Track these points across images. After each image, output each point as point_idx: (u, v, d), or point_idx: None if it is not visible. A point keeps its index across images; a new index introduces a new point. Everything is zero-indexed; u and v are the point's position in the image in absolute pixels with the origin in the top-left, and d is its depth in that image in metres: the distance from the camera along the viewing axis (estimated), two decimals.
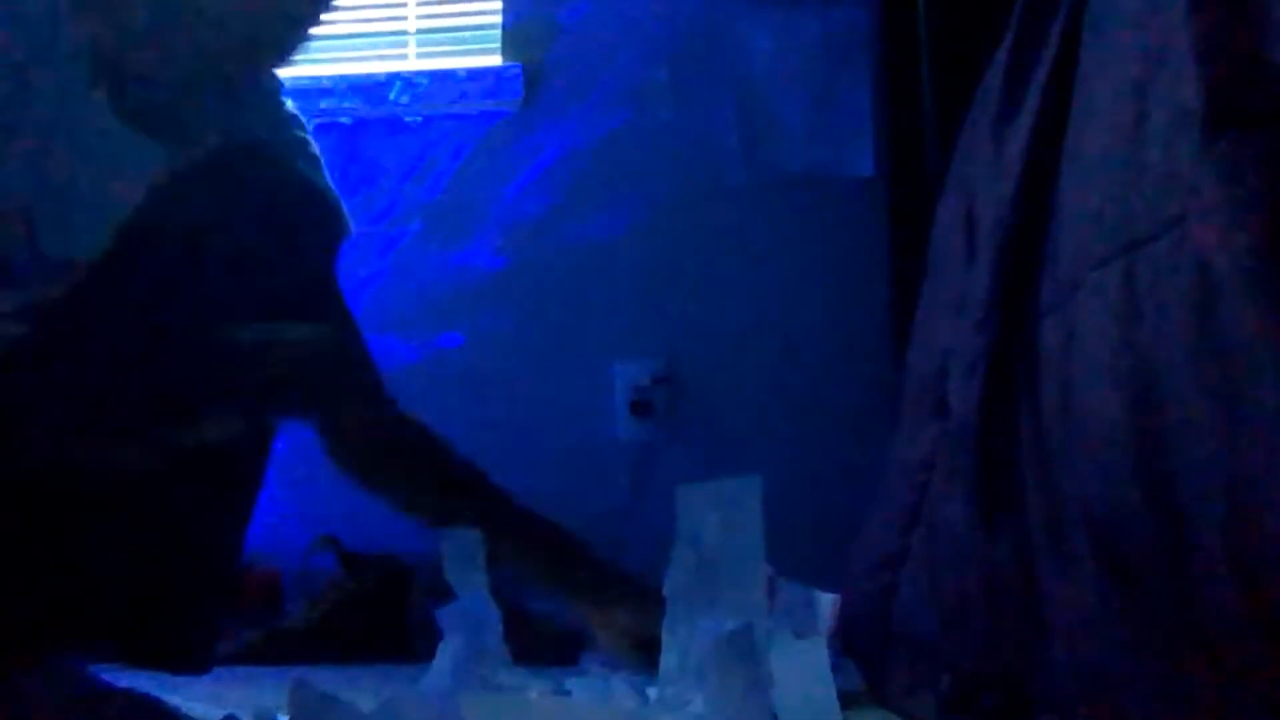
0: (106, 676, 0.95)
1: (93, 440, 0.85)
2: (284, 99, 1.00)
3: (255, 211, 0.92)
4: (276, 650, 1.58)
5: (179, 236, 0.88)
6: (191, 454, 0.89)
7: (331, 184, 1.01)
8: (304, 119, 1.02)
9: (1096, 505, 0.74)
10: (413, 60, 2.13)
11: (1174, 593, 0.66)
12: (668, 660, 0.92)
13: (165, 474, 0.88)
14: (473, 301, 2.03)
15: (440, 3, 2.15)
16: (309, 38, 0.95)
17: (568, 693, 0.99)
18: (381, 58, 2.14)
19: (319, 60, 2.14)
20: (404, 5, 2.15)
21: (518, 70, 2.04)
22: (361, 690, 0.88)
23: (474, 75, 2.05)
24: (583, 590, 1.11)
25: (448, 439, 1.15)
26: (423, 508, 1.13)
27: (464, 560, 0.98)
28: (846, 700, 0.92)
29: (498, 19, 2.09)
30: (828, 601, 1.10)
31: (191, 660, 0.94)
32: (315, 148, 1.01)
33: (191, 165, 0.89)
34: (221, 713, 0.89)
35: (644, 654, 1.05)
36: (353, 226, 1.03)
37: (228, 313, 0.89)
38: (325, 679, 1.09)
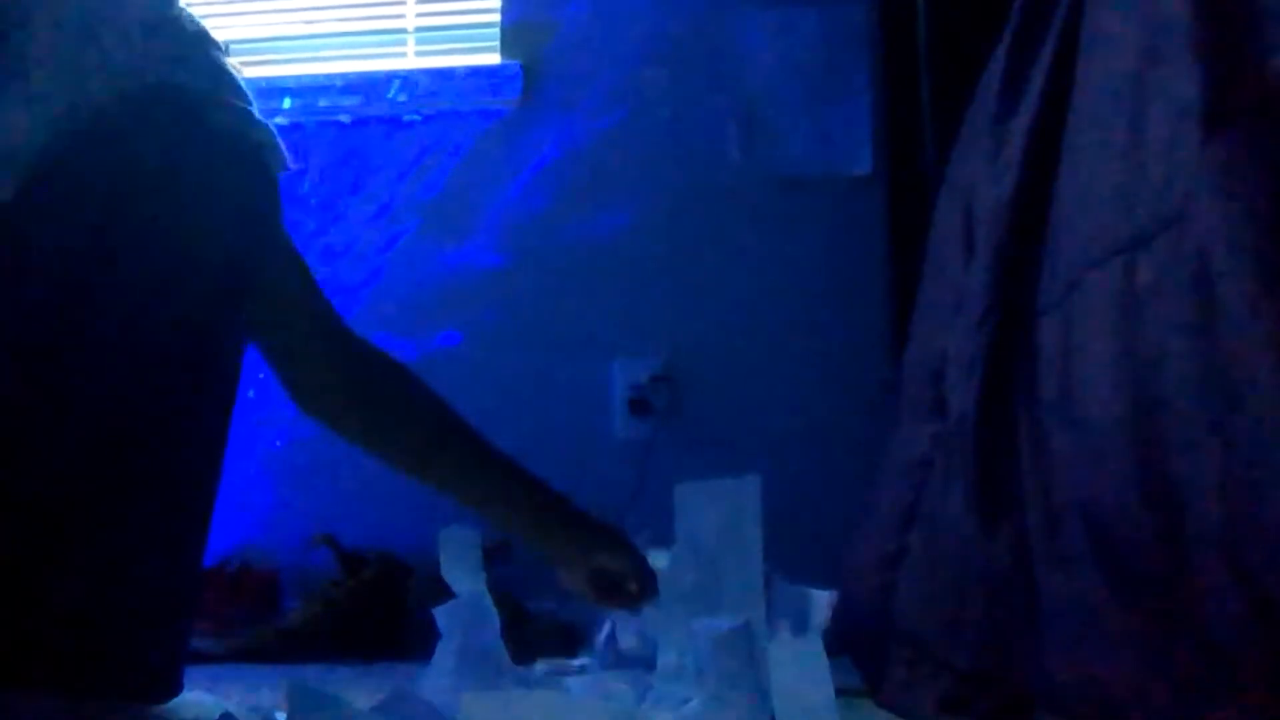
0: None
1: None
2: (180, 19, 0.91)
3: (161, 159, 0.85)
4: (274, 649, 1.58)
5: (74, 186, 0.82)
6: (142, 463, 0.85)
7: (257, 115, 0.93)
8: (211, 36, 0.92)
9: (1095, 504, 0.74)
10: (411, 58, 2.13)
11: (1172, 591, 0.66)
12: (666, 658, 0.92)
13: (114, 485, 0.83)
14: (471, 299, 2.02)
15: (439, 1, 2.15)
16: None
17: (567, 691, 0.99)
18: (380, 56, 2.13)
19: (318, 58, 2.14)
20: (403, 3, 2.15)
21: (516, 68, 2.03)
22: (359, 689, 0.88)
23: (473, 73, 2.05)
24: (549, 528, 1.09)
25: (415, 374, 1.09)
26: (390, 445, 1.07)
27: (462, 559, 0.98)
28: (844, 699, 0.92)
29: (496, 17, 2.09)
30: (823, 598, 1.10)
31: (156, 687, 0.87)
32: (231, 74, 0.92)
33: (86, 113, 0.82)
34: (219, 711, 0.89)
35: (605, 590, 1.07)
36: (290, 162, 0.94)
37: (142, 261, 0.83)
38: (323, 677, 1.09)
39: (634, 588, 1.06)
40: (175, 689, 0.89)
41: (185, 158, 0.87)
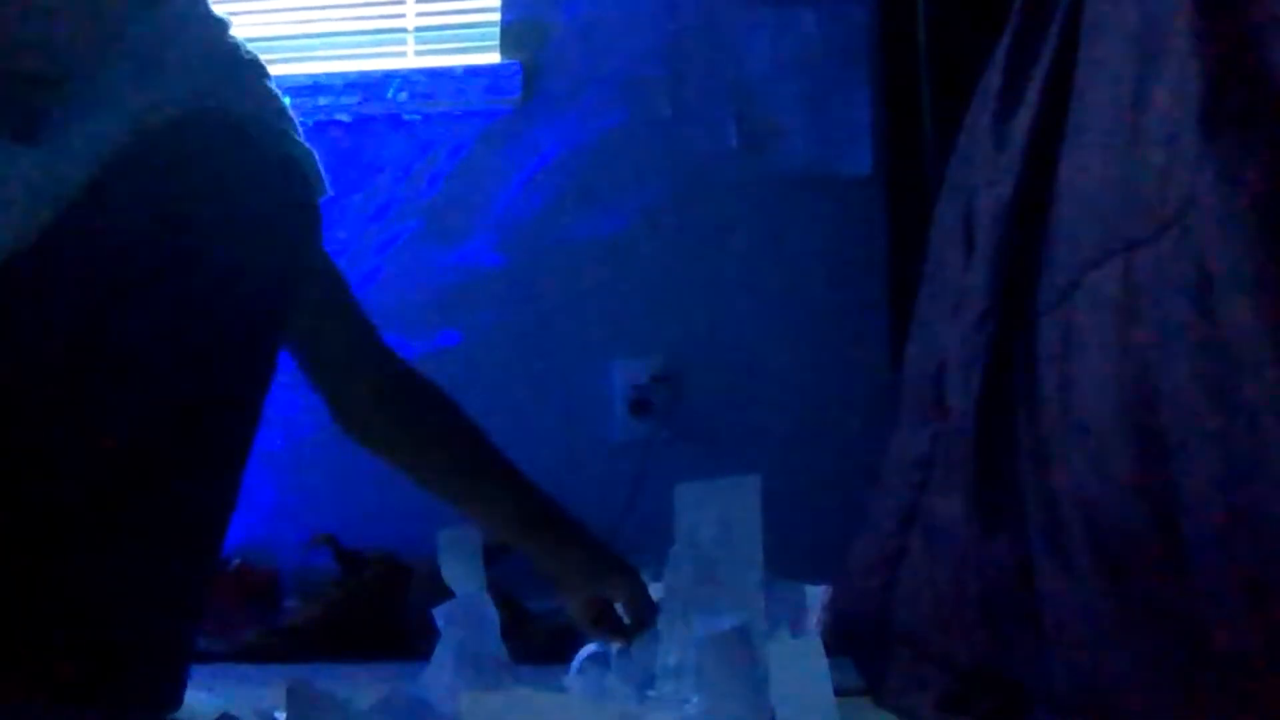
0: None
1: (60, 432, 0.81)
2: (238, 49, 0.94)
3: (209, 177, 0.87)
4: (274, 648, 1.58)
5: (123, 203, 0.84)
6: (161, 464, 0.85)
7: (302, 140, 0.95)
8: (263, 65, 0.95)
9: (1094, 504, 0.74)
10: (411, 58, 2.13)
11: (1172, 592, 0.66)
12: (665, 658, 0.92)
13: (127, 487, 0.83)
14: (471, 299, 2.02)
15: (438, 0, 2.15)
16: None
17: (566, 692, 0.99)
18: (380, 55, 2.13)
19: (317, 58, 2.14)
20: (403, 3, 2.15)
21: (516, 68, 2.03)
22: (359, 689, 0.88)
23: (472, 73, 2.05)
24: (560, 553, 1.09)
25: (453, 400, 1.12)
26: (424, 467, 1.10)
27: (461, 559, 0.98)
28: (844, 698, 0.92)
29: (496, 16, 2.09)
30: (816, 593, 1.10)
31: (157, 699, 0.87)
32: (280, 100, 0.95)
33: (146, 136, 0.84)
34: (219, 711, 0.89)
35: (607, 623, 1.07)
36: (328, 188, 0.97)
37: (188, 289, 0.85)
38: (323, 677, 1.09)
39: (629, 620, 1.06)
40: (176, 701, 0.89)
41: (232, 176, 0.88)
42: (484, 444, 1.09)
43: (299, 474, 1.94)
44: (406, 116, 2.07)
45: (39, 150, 0.83)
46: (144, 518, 0.85)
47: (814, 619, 1.04)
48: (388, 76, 2.06)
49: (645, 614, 1.03)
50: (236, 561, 1.79)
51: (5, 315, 0.82)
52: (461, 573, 0.97)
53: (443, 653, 0.95)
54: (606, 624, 1.07)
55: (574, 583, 1.09)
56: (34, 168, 0.82)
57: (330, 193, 0.98)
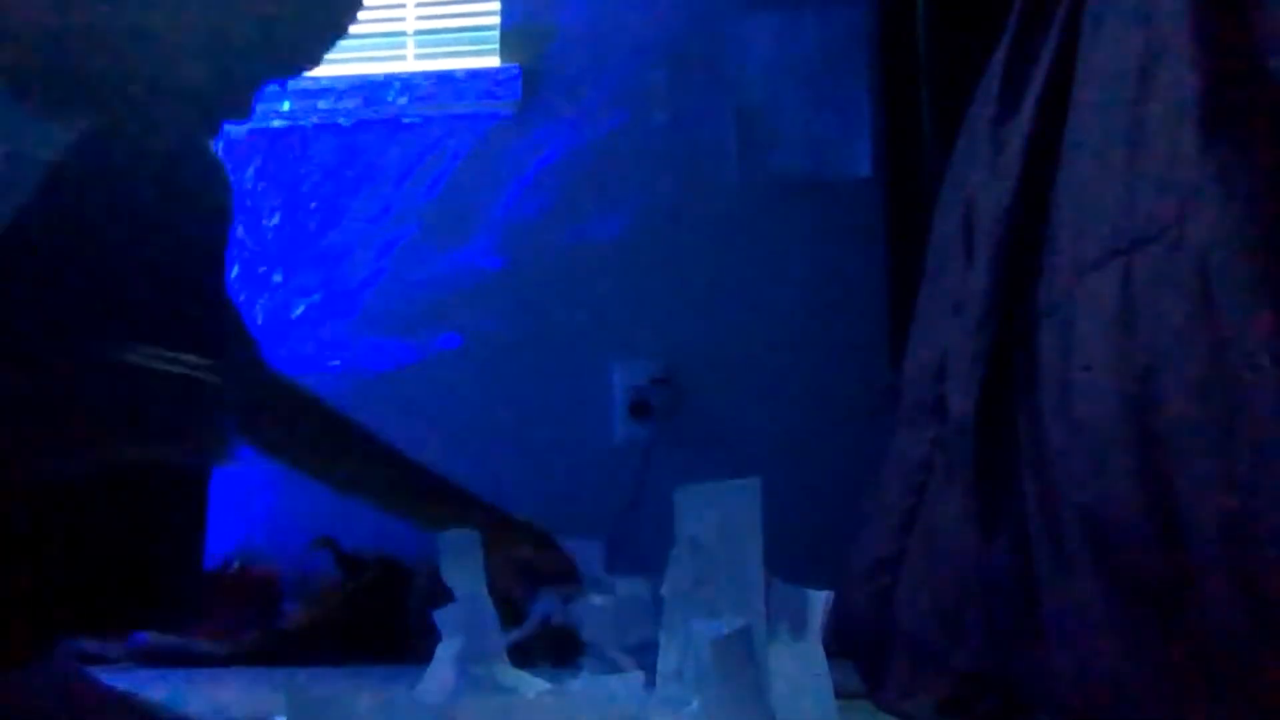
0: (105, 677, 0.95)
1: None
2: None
3: (155, 180, 0.91)
4: (274, 651, 1.58)
5: (82, 205, 0.86)
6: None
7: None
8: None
9: (1094, 507, 0.74)
10: (411, 61, 2.13)
11: (1172, 593, 0.65)
12: (666, 661, 0.91)
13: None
14: (471, 302, 2.03)
15: (439, 4, 2.15)
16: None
17: (567, 695, 0.99)
18: (380, 59, 2.13)
19: None
20: (402, 6, 2.15)
21: (516, 71, 2.04)
22: (359, 692, 0.88)
23: (472, 76, 2.05)
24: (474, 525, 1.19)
25: (323, 397, 1.22)
26: (302, 456, 1.21)
27: (461, 561, 0.98)
28: (845, 701, 0.91)
29: (496, 20, 2.09)
30: (819, 599, 1.10)
31: (173, 611, 0.91)
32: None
33: (86, 134, 0.88)
34: (219, 713, 0.89)
35: (526, 580, 1.16)
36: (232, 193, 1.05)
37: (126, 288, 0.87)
38: (323, 680, 1.09)
39: (550, 574, 1.15)
40: (197, 613, 0.92)
41: (166, 182, 0.92)
42: (363, 431, 1.19)
43: (299, 477, 1.94)
44: (406, 119, 2.07)
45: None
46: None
47: (818, 625, 1.03)
48: (388, 79, 2.06)
49: (561, 564, 1.13)
50: (237, 564, 1.79)
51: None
52: (461, 575, 0.97)
53: (443, 655, 0.95)
54: (527, 580, 1.16)
55: (492, 550, 1.15)
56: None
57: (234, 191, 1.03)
